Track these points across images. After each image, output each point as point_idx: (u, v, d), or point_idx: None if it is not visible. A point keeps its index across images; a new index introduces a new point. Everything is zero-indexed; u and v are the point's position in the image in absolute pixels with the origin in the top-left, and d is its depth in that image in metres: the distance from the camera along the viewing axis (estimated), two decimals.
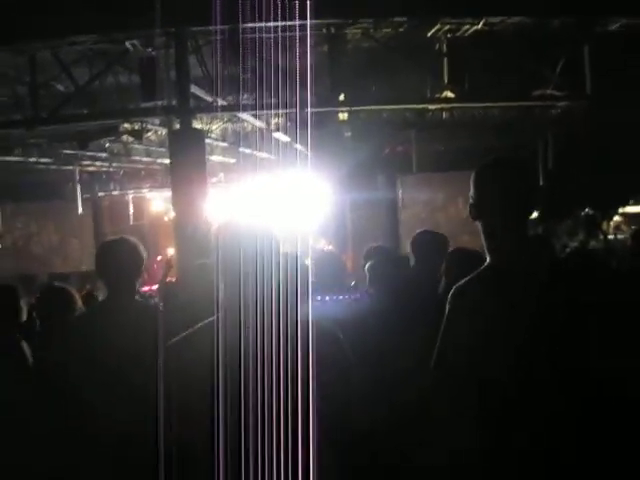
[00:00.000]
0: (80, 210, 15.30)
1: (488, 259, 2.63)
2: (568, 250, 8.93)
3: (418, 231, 4.87)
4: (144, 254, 3.74)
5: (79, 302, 4.50)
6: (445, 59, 10.12)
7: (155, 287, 13.31)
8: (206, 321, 2.62)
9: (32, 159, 14.69)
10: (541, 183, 14.76)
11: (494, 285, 2.55)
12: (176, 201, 9.71)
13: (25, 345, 3.81)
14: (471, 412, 2.48)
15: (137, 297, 3.80)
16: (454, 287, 2.64)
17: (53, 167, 15.66)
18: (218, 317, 2.51)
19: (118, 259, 3.66)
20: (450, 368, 2.56)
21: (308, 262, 4.60)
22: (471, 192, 2.66)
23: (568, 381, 2.42)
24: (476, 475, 2.49)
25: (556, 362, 2.43)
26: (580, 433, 2.41)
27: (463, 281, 2.63)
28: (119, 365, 3.15)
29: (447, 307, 2.61)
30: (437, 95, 10.93)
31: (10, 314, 3.99)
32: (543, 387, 2.43)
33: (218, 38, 9.87)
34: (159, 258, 16.11)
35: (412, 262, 4.61)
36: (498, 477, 2.48)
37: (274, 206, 12.51)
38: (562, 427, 2.42)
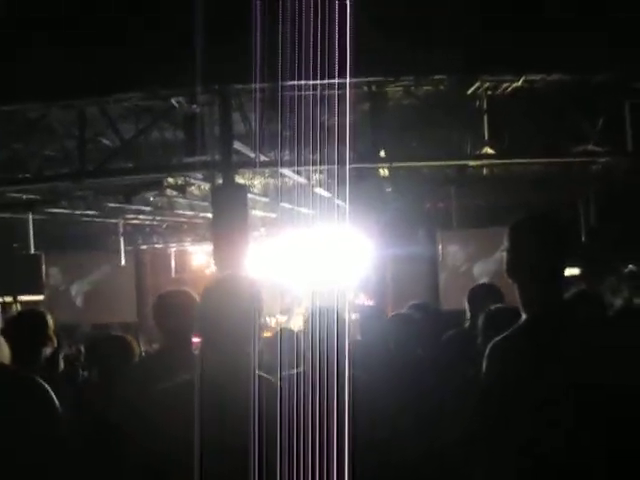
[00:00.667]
0: (123, 262, 15.50)
1: (523, 315, 2.63)
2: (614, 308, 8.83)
3: (475, 284, 4.90)
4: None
5: (137, 350, 4.44)
6: (485, 116, 10.18)
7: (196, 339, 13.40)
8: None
9: (78, 212, 14.99)
10: (583, 240, 14.67)
11: (528, 341, 2.55)
12: (217, 255, 9.80)
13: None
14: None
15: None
16: (491, 345, 2.64)
17: (98, 220, 15.95)
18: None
19: (179, 310, 3.66)
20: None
21: (347, 316, 4.64)
22: (505, 246, 2.68)
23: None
24: None
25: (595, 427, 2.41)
26: None
27: (499, 338, 2.64)
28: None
29: (485, 360, 2.60)
30: (477, 151, 10.98)
31: (37, 341, 3.79)
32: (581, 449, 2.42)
33: (261, 95, 10.08)
34: None
35: (467, 315, 4.60)
36: None
37: (314, 261, 12.59)
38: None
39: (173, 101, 9.61)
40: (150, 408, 2.58)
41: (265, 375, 2.56)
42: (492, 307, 3.99)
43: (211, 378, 2.52)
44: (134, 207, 14.84)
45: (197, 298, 3.63)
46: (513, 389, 2.49)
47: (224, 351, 2.55)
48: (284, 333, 4.06)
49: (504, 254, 2.69)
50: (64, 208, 14.55)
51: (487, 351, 2.61)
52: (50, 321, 3.94)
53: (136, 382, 3.42)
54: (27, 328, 3.83)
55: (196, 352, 3.69)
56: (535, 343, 2.55)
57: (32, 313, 3.94)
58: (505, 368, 2.56)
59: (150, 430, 2.53)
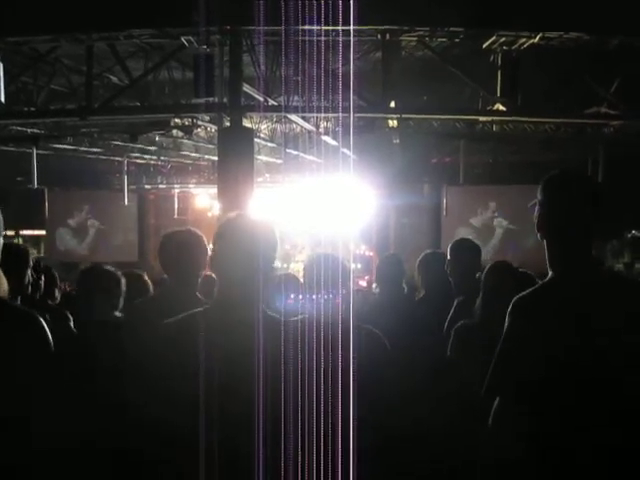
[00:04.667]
0: (126, 201, 15.47)
1: (550, 272, 2.58)
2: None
3: (457, 238, 4.87)
4: (208, 248, 3.61)
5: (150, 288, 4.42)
6: (499, 72, 10.03)
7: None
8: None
9: (83, 148, 14.91)
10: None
11: (560, 301, 2.50)
12: (222, 198, 9.76)
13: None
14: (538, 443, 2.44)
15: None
16: (516, 300, 2.57)
17: (103, 157, 15.88)
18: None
19: (185, 249, 3.63)
20: (513, 391, 2.50)
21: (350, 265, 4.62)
22: (538, 200, 2.61)
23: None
24: None
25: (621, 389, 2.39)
26: None
27: (526, 295, 2.58)
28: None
29: (509, 316, 2.55)
30: (488, 107, 10.85)
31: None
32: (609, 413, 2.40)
33: (273, 39, 9.94)
34: None
35: (446, 266, 4.58)
36: None
37: (318, 209, 12.54)
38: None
39: (183, 40, 9.46)
40: (158, 341, 2.58)
41: (273, 314, 2.55)
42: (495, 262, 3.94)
43: (221, 313, 2.52)
44: (139, 146, 14.76)
45: (203, 238, 3.63)
46: (537, 344, 2.44)
47: (237, 290, 2.54)
48: (287, 279, 4.02)
49: (536, 208, 2.62)
50: (69, 144, 14.47)
51: (510, 307, 2.55)
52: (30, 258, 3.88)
53: (145, 318, 3.40)
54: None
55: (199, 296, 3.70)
56: (561, 300, 2.49)
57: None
58: (529, 323, 2.50)
59: (158, 364, 2.53)
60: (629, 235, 15.28)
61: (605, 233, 14.14)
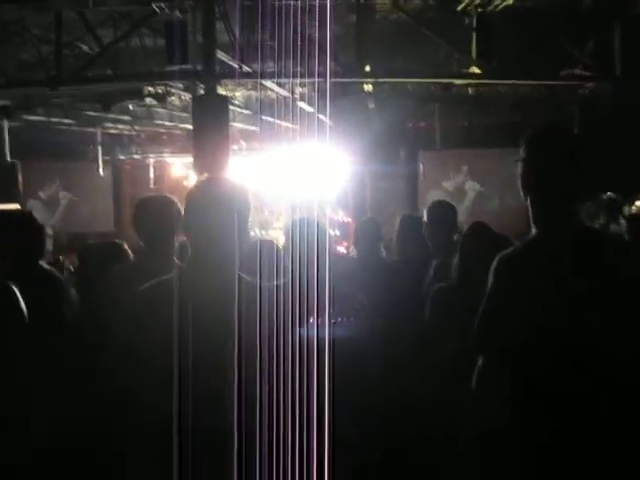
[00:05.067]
0: (101, 172, 15.30)
1: (533, 230, 2.57)
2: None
3: (434, 200, 4.86)
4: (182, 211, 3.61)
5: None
6: (474, 34, 9.98)
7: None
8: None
9: (55, 119, 14.69)
10: None
11: (543, 259, 2.49)
12: (197, 166, 9.68)
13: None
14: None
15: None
16: (500, 257, 2.56)
17: (75, 128, 15.65)
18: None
19: (158, 215, 3.59)
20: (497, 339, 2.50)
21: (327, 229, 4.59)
22: (521, 156, 2.58)
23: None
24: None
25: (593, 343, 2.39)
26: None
27: (510, 252, 2.57)
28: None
29: (492, 275, 2.53)
30: (464, 70, 10.81)
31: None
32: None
33: (246, 4, 9.79)
34: None
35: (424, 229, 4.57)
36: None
37: (294, 175, 12.47)
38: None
39: (154, 6, 9.31)
40: (133, 306, 2.56)
41: (247, 277, 2.53)
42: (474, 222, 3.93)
43: (194, 277, 2.50)
44: (112, 116, 14.55)
45: (177, 203, 3.59)
46: (520, 304, 2.44)
47: (209, 252, 2.52)
48: (263, 244, 4.00)
49: (519, 165, 2.60)
50: (40, 115, 14.25)
51: (495, 263, 2.54)
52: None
53: (120, 285, 3.38)
54: None
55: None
56: (544, 258, 2.49)
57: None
58: (513, 281, 2.50)
59: (133, 329, 2.52)
60: (604, 197, 15.34)
61: (581, 194, 14.17)
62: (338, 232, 14.46)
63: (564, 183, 2.52)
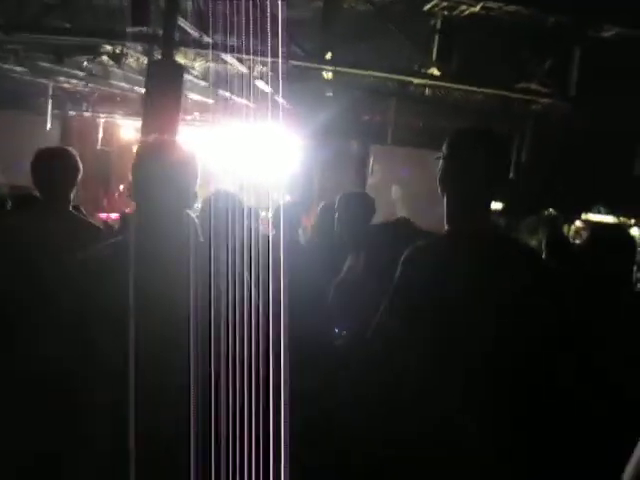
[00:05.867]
0: (49, 125, 15.02)
1: (446, 226, 2.60)
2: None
3: (350, 191, 4.76)
4: (80, 166, 3.71)
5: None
6: (437, 36, 10.06)
7: (114, 216, 13.20)
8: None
9: (7, 66, 14.35)
10: (511, 176, 14.80)
11: (448, 253, 2.53)
12: (145, 130, 9.56)
13: None
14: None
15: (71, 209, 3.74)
16: (407, 251, 2.59)
17: (27, 78, 15.32)
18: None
19: (53, 168, 3.63)
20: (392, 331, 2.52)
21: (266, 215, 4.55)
22: (443, 153, 2.61)
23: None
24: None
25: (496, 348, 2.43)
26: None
27: (417, 246, 2.60)
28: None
29: (399, 269, 2.56)
30: (423, 70, 10.88)
31: None
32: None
33: None
34: (122, 187, 15.94)
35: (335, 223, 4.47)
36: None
37: (243, 154, 12.41)
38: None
39: None
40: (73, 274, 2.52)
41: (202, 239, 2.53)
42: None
43: (142, 242, 2.47)
44: (67, 70, 14.28)
45: (74, 156, 3.59)
46: (424, 293, 2.47)
47: (159, 216, 2.49)
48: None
49: (440, 162, 2.62)
50: None
51: (405, 253, 2.57)
52: None
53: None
54: None
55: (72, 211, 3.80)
56: (450, 253, 2.52)
57: None
58: (419, 274, 2.52)
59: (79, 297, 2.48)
60: (545, 213, 15.59)
61: (522, 209, 14.42)
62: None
63: (476, 181, 2.55)
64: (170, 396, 2.32)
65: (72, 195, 3.74)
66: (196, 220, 2.61)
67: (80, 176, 3.70)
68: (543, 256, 5.46)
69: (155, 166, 2.50)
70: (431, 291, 2.45)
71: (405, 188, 13.99)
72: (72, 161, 3.69)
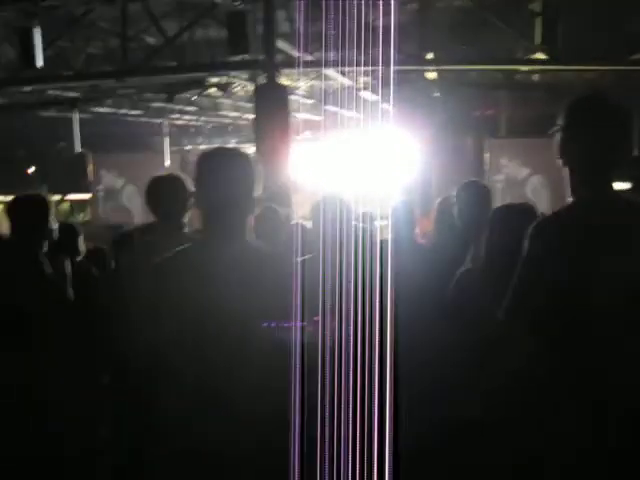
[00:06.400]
0: (167, 162, 15.51)
1: (573, 198, 2.50)
2: None
3: (465, 181, 4.62)
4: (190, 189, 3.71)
5: None
6: (539, 19, 9.79)
7: None
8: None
9: (122, 111, 14.97)
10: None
11: (579, 226, 2.43)
12: (259, 155, 9.74)
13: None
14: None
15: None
16: (537, 222, 2.50)
17: (142, 119, 15.93)
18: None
19: (165, 193, 3.76)
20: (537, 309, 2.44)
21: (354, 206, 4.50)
22: (560, 125, 2.52)
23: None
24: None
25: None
26: None
27: (547, 218, 2.52)
28: None
29: (528, 241, 2.47)
30: (528, 56, 10.61)
31: (36, 225, 3.82)
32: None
33: None
34: None
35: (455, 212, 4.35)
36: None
37: (358, 165, 12.44)
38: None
39: None
40: (152, 278, 2.58)
41: (261, 246, 2.57)
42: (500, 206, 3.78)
43: (210, 248, 2.51)
44: (178, 107, 14.77)
45: (185, 180, 3.68)
46: (558, 267, 2.38)
47: (218, 223, 2.53)
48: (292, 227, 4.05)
49: (558, 134, 2.53)
50: (108, 107, 14.54)
51: (530, 230, 2.47)
52: (50, 207, 3.92)
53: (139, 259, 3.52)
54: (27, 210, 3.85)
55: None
56: (582, 226, 2.42)
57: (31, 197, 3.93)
58: (550, 247, 2.42)
59: (150, 303, 2.54)
60: None
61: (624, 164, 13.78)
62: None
63: (606, 151, 2.45)
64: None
65: (185, 218, 3.83)
66: (305, 226, 2.62)
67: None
68: None
69: (211, 172, 2.54)
70: (562, 263, 2.36)
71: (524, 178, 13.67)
72: (183, 185, 3.77)
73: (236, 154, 2.58)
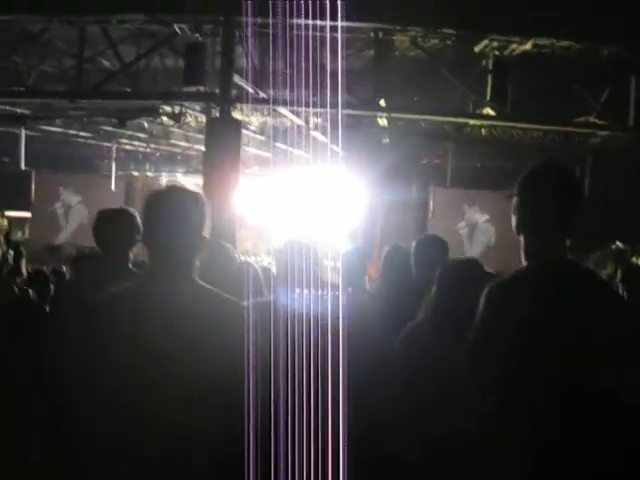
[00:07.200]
0: (113, 187, 15.40)
1: (525, 264, 2.58)
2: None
3: (421, 236, 4.72)
4: (139, 225, 3.68)
5: None
6: (490, 76, 10.06)
7: None
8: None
9: (72, 131, 14.84)
10: None
11: (533, 289, 2.50)
12: (207, 188, 9.75)
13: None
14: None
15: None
16: (492, 284, 2.57)
17: (91, 142, 15.81)
18: None
19: (115, 228, 3.76)
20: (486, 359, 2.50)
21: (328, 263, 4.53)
22: (516, 191, 2.61)
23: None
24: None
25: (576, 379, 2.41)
26: None
27: (499, 282, 2.58)
28: None
29: (482, 302, 2.53)
30: (478, 111, 10.88)
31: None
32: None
33: (266, 31, 9.92)
34: None
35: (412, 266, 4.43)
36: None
37: (304, 204, 12.53)
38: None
39: (176, 28, 9.45)
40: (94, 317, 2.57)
41: (206, 286, 2.56)
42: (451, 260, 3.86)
43: (155, 285, 2.51)
44: (128, 132, 14.71)
45: (135, 216, 3.69)
46: (508, 336, 2.45)
47: (165, 259, 2.54)
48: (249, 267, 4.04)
49: (514, 200, 2.62)
50: (57, 126, 14.40)
51: (486, 291, 2.54)
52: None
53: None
54: None
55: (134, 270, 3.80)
56: (533, 292, 2.50)
57: None
58: (504, 311, 2.50)
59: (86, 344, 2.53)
60: (613, 246, 15.31)
61: (589, 243, 14.18)
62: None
63: (554, 220, 2.54)
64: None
65: (131, 253, 3.83)
66: (258, 268, 2.64)
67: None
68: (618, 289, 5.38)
69: (158, 210, 2.56)
70: (518, 324, 2.43)
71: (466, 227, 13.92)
72: (132, 220, 3.79)
73: (187, 194, 2.61)
